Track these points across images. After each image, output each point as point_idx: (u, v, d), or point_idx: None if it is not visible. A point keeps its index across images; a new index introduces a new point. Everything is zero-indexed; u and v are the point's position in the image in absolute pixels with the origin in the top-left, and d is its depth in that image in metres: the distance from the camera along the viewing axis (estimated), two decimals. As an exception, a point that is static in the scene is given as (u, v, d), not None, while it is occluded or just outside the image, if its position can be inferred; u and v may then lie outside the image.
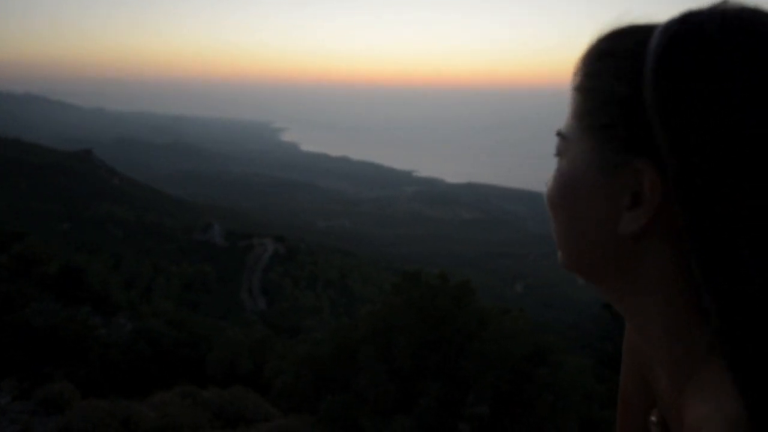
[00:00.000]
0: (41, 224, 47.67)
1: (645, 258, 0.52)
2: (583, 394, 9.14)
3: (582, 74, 0.54)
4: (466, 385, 8.01)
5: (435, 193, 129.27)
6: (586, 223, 0.54)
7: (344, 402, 7.81)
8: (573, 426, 8.54)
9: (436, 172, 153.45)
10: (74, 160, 77.64)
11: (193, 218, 65.31)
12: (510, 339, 8.47)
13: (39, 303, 10.69)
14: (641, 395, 0.69)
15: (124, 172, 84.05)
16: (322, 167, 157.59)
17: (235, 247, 55.72)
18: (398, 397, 7.92)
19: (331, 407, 7.80)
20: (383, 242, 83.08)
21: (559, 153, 0.56)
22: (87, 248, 43.81)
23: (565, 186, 0.55)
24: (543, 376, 8.43)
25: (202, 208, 78.45)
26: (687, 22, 0.47)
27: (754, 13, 0.47)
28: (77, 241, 46.36)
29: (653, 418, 0.61)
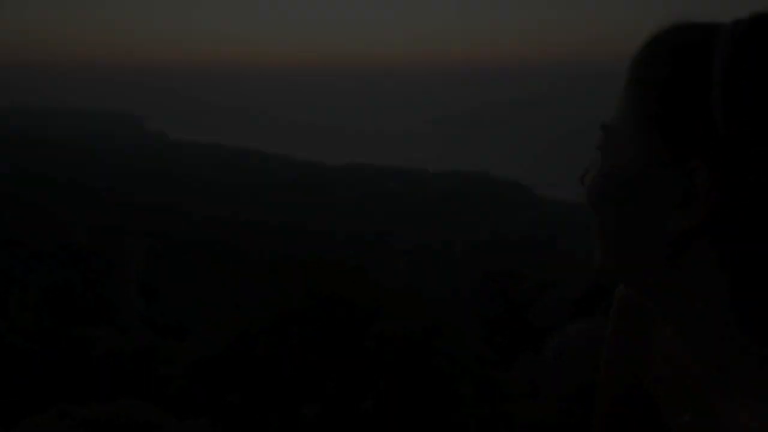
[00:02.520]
0: None
1: (691, 260, 0.51)
2: (475, 357, 9.70)
3: (642, 65, 0.52)
4: (369, 364, 8.14)
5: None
6: (635, 222, 0.53)
7: (247, 398, 7.55)
8: (468, 388, 9.05)
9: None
10: None
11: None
12: (407, 315, 8.72)
13: None
14: (627, 384, 0.71)
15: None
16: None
17: (102, 246, 51.19)
18: (304, 385, 7.83)
19: (233, 406, 7.50)
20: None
21: (603, 147, 0.54)
22: None
23: (616, 182, 0.53)
24: (439, 346, 8.81)
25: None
26: (758, 21, 0.47)
27: None
28: None
29: (687, 419, 0.60)
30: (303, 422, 7.17)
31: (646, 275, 0.55)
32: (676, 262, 0.52)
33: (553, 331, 17.52)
